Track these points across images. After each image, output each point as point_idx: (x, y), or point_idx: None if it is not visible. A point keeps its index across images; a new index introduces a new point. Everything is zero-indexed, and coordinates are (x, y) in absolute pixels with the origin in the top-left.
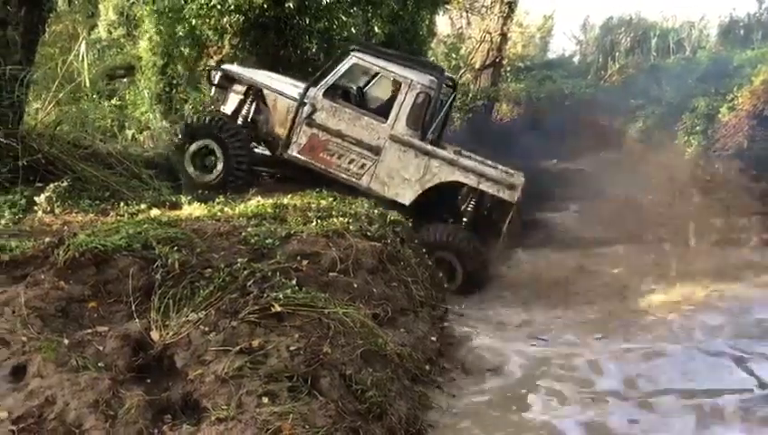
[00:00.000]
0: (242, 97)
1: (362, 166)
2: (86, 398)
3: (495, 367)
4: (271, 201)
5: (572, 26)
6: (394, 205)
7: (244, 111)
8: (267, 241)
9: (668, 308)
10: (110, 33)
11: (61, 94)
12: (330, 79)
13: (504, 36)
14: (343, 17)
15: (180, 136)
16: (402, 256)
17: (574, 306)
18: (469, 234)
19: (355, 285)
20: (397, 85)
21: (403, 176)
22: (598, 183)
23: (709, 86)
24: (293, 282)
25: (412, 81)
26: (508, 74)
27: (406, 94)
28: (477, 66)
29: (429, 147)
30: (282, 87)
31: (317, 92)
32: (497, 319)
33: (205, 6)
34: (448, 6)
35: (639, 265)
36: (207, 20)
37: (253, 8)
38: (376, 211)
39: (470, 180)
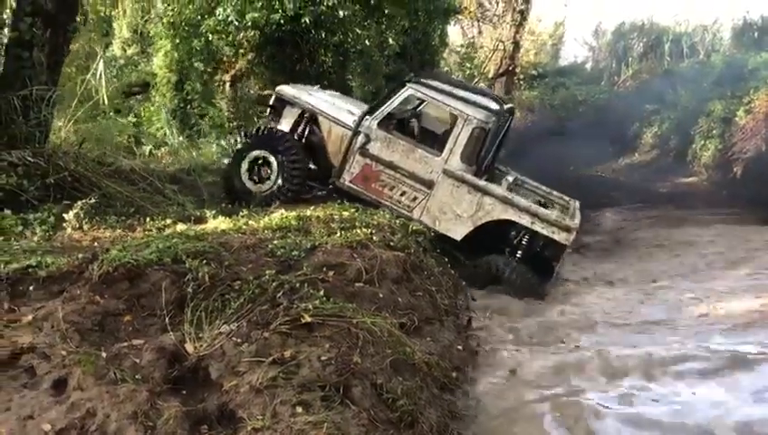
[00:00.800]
0: (297, 118)
1: (414, 199)
2: (125, 409)
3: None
4: (294, 213)
5: (584, 33)
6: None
7: (298, 131)
8: (293, 253)
9: None
10: (125, 50)
11: (80, 112)
12: (385, 109)
13: (516, 44)
14: (358, 30)
15: (239, 147)
16: (425, 265)
17: None
18: (524, 268)
19: (381, 295)
20: (453, 118)
21: (455, 211)
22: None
23: (725, 89)
24: (321, 293)
25: (468, 115)
26: (522, 82)
27: (462, 128)
28: (491, 75)
29: (483, 183)
30: (337, 114)
31: (371, 122)
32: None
33: (222, 22)
34: (460, 16)
35: None
36: (224, 36)
37: (269, 24)
38: (398, 222)
39: (523, 220)
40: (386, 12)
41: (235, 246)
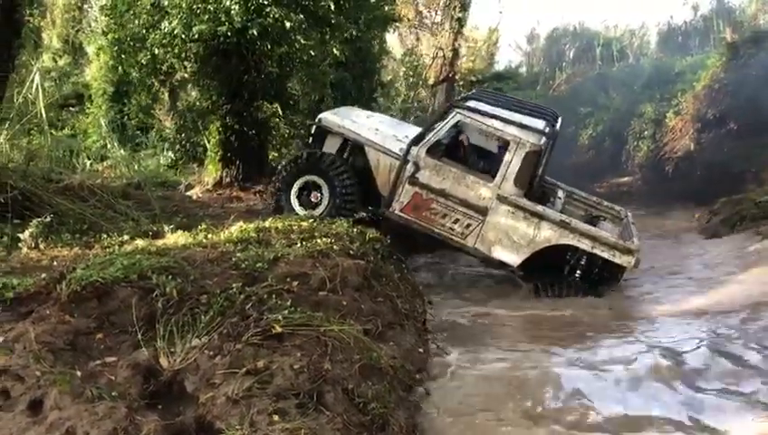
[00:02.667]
0: (341, 145)
1: (468, 226)
2: (105, 426)
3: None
4: (252, 225)
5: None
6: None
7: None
8: (257, 265)
9: None
10: (56, 61)
11: (16, 127)
12: (432, 137)
13: (455, 51)
14: (302, 41)
15: (286, 173)
16: (385, 272)
17: None
18: (584, 287)
19: (344, 303)
20: (505, 142)
21: (512, 238)
22: None
23: (654, 92)
24: (288, 303)
25: (521, 139)
26: (461, 88)
27: (514, 153)
28: (431, 82)
29: (540, 208)
30: (384, 141)
31: (420, 150)
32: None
33: (168, 36)
34: (398, 25)
35: None
36: (171, 48)
37: (216, 36)
38: (355, 230)
39: (583, 245)
40: (330, 22)
41: (198, 261)
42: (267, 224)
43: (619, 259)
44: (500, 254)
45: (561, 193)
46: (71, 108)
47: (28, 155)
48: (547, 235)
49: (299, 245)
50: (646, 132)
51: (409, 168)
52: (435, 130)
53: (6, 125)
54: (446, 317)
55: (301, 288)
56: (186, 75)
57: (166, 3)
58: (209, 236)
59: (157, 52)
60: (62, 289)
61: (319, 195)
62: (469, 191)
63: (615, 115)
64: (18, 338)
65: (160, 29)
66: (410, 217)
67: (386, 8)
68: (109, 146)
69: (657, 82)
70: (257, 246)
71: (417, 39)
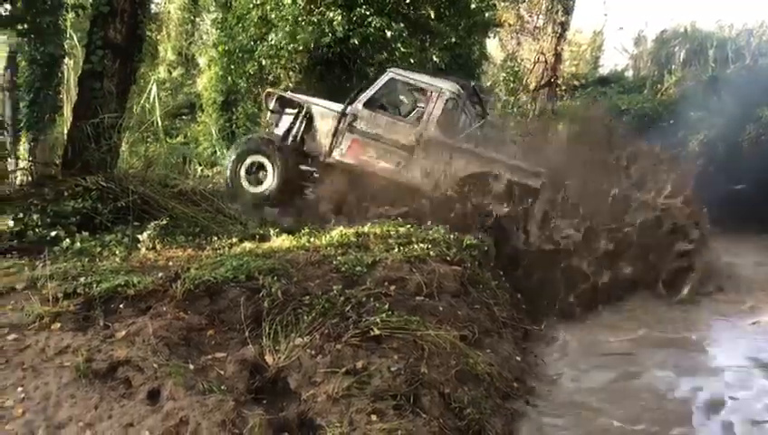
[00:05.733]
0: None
1: (398, 163)
2: (215, 418)
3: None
4: (353, 230)
5: (623, 40)
6: None
7: (294, 131)
8: (356, 268)
9: None
10: (170, 72)
11: (135, 135)
12: (368, 93)
13: (558, 56)
14: (402, 48)
15: (235, 154)
16: (482, 278)
17: None
18: None
19: (441, 308)
20: (428, 93)
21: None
22: None
23: None
24: (386, 306)
25: (441, 89)
26: (563, 93)
27: (435, 102)
28: (533, 87)
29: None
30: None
31: (357, 104)
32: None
33: (274, 47)
34: (499, 30)
35: None
36: (277, 59)
37: (320, 46)
38: (452, 236)
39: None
40: (430, 30)
41: (301, 263)
42: (366, 229)
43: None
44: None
45: None
46: (183, 117)
47: (146, 161)
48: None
49: (396, 250)
50: (763, 137)
51: (348, 119)
52: (369, 88)
53: (127, 133)
54: (546, 326)
55: (398, 292)
56: (290, 84)
57: (273, 16)
58: (311, 239)
59: (264, 62)
60: (177, 288)
61: (263, 173)
62: (399, 135)
63: (729, 120)
64: (138, 332)
65: (267, 41)
66: (350, 160)
67: (486, 14)
68: (218, 153)
69: None
70: (356, 250)
71: (518, 44)
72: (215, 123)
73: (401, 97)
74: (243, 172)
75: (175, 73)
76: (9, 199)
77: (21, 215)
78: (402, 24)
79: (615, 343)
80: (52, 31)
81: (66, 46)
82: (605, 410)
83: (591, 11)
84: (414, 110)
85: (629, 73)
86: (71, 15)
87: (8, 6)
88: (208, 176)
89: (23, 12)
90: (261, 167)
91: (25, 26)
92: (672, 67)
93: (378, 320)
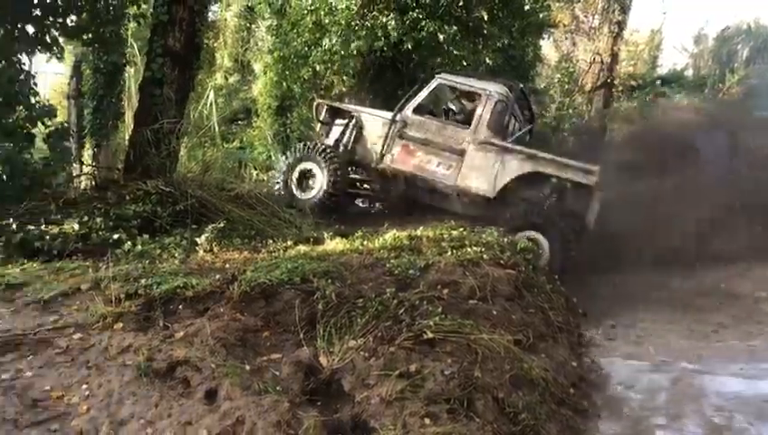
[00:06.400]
0: (342, 128)
1: (449, 166)
2: (270, 418)
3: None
4: (405, 233)
5: (683, 39)
6: None
7: (344, 139)
8: (409, 271)
9: None
10: (227, 79)
11: (194, 140)
12: (416, 100)
13: (614, 56)
14: (455, 51)
15: (288, 161)
16: (536, 282)
17: None
18: None
19: (494, 312)
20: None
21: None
22: None
23: None
24: (439, 310)
25: (489, 92)
26: (620, 94)
27: (485, 104)
28: (588, 88)
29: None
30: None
31: (406, 111)
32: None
33: (329, 52)
34: (553, 30)
35: None
36: (330, 64)
37: (373, 51)
38: (506, 240)
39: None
40: (483, 32)
41: (354, 266)
42: (418, 232)
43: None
44: (477, 186)
45: None
46: (239, 122)
47: (204, 166)
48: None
49: (449, 253)
50: None
51: (398, 125)
52: (418, 94)
53: (185, 139)
54: (602, 331)
55: (451, 296)
56: (343, 89)
57: (326, 21)
58: (365, 242)
59: (318, 68)
60: (233, 289)
61: (312, 180)
62: (449, 138)
63: None
64: (196, 333)
65: (321, 46)
66: (400, 166)
67: (540, 15)
68: (273, 157)
69: None
70: (409, 254)
71: (574, 44)
72: (269, 128)
73: (450, 101)
74: (294, 178)
75: (231, 80)
76: (74, 203)
77: (85, 218)
78: (455, 27)
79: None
80: (114, 40)
81: (127, 55)
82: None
83: (649, 10)
84: (463, 113)
85: (689, 73)
86: (132, 25)
87: (74, 18)
88: (263, 180)
89: (88, 23)
90: (311, 174)
91: (90, 36)
92: (734, 65)
93: (431, 323)
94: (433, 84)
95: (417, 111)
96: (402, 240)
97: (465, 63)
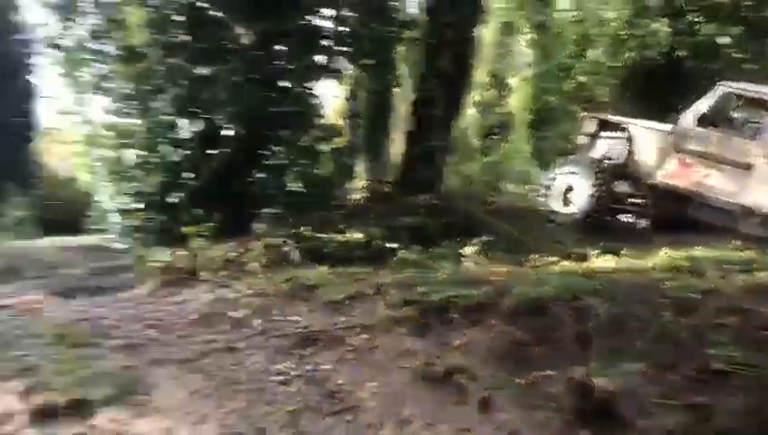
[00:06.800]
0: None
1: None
2: None
3: None
4: (682, 253)
5: None
6: None
7: (615, 153)
8: (689, 295)
9: None
10: (482, 95)
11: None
12: (697, 109)
13: None
14: (738, 55)
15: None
16: None
17: None
18: None
19: None
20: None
21: None
22: None
23: None
24: (725, 339)
25: None
26: None
27: None
28: None
29: None
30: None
31: (686, 121)
32: None
33: (595, 63)
34: None
35: None
36: (596, 75)
37: (642, 60)
38: None
39: None
40: None
41: (625, 285)
42: (697, 252)
43: None
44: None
45: None
46: (494, 136)
47: (466, 180)
48: None
49: (737, 277)
50: None
51: (675, 138)
52: (697, 103)
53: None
54: None
55: (740, 325)
56: (606, 100)
57: (593, 32)
58: (634, 261)
59: (582, 79)
60: (504, 302)
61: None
62: (735, 152)
63: None
64: (470, 342)
65: (586, 57)
66: (675, 181)
67: None
68: (530, 171)
69: None
70: (687, 275)
71: None
72: (526, 142)
73: (734, 111)
74: (556, 193)
75: (487, 94)
76: (353, 214)
77: (364, 228)
78: (741, 28)
79: None
80: (389, 64)
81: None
82: None
83: None
84: (749, 123)
85: None
86: (402, 48)
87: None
88: (521, 193)
89: (369, 49)
90: (573, 189)
91: (369, 62)
92: None
93: (718, 353)
94: (715, 92)
95: (699, 121)
96: (677, 260)
97: (753, 67)
